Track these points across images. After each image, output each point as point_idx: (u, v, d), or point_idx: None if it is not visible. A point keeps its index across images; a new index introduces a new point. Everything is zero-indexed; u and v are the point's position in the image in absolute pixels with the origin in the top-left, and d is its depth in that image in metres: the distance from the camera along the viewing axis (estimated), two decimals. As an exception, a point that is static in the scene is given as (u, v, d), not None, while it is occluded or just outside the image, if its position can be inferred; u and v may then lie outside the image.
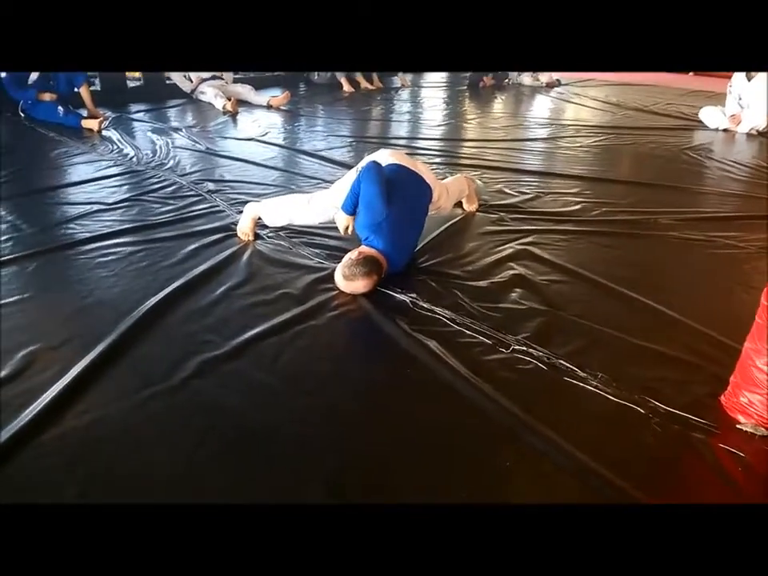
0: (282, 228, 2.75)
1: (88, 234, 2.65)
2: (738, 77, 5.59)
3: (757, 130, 5.45)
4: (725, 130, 5.55)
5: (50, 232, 2.69)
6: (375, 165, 2.38)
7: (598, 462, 1.45)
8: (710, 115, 5.70)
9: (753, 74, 5.39)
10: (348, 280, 2.18)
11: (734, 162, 4.41)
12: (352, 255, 2.22)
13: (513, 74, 8.59)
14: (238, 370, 1.76)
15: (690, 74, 10.05)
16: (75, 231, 2.70)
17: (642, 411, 1.65)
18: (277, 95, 6.00)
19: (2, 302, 2.04)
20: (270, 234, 2.73)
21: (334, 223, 2.57)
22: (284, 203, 2.71)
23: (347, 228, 2.46)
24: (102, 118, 4.71)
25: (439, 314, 2.10)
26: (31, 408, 1.52)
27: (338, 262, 2.31)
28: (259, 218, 2.73)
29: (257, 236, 2.72)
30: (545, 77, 8.40)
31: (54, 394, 1.57)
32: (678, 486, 1.46)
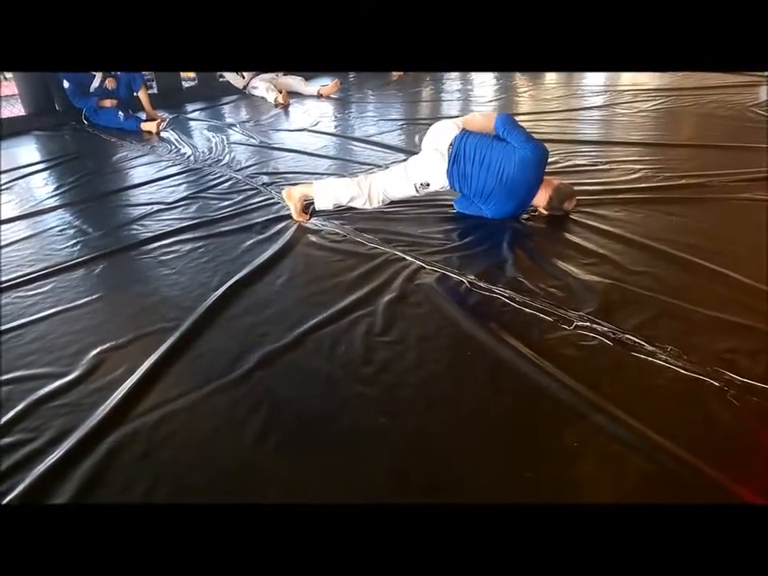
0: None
1: (150, 234, 2.73)
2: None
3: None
4: (794, 83, 5.20)
5: (114, 234, 2.78)
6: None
7: (670, 440, 1.39)
8: (779, 68, 5.35)
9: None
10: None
11: (806, 116, 4.13)
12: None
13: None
14: (297, 361, 1.77)
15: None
16: (138, 232, 2.78)
17: (715, 384, 1.58)
18: (326, 84, 6.02)
19: (73, 304, 2.13)
20: (324, 223, 2.74)
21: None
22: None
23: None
24: (159, 120, 4.83)
25: (498, 293, 2.07)
26: (102, 407, 1.58)
27: (392, 248, 2.36)
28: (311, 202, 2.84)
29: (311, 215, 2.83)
30: None
31: (122, 393, 1.63)
32: (759, 464, 1.39)
